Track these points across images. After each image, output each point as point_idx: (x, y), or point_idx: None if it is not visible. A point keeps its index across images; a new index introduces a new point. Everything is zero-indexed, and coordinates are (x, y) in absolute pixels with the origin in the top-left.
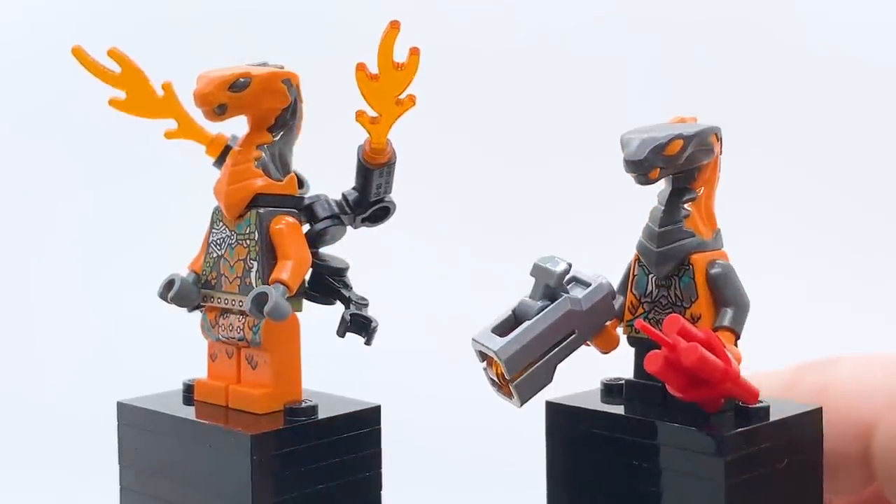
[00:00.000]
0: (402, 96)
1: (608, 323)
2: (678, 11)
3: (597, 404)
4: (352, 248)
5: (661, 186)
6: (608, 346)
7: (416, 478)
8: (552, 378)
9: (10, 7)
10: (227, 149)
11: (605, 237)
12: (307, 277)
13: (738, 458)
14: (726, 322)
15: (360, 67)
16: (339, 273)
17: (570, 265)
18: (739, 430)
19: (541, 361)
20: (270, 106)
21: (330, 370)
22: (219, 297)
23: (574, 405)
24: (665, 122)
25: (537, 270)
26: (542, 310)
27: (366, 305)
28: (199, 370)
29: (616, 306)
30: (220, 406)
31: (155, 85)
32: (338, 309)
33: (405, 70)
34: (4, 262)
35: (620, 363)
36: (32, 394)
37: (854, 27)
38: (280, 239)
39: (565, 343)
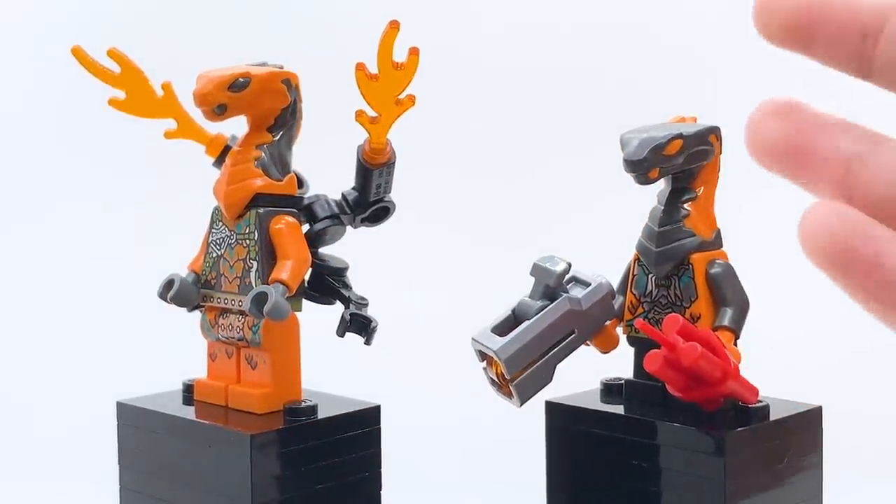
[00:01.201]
0: (402, 96)
1: (608, 323)
2: (678, 11)
3: (596, 404)
4: (352, 248)
5: (661, 186)
6: (608, 345)
7: (416, 478)
8: (552, 378)
9: (10, 7)
10: (227, 149)
11: (605, 237)
12: (307, 277)
13: (738, 458)
14: (726, 322)
15: (360, 67)
16: (339, 273)
17: (569, 265)
18: (739, 429)
19: (541, 361)
20: (270, 106)
21: (330, 370)
22: (218, 297)
23: (574, 405)
24: (665, 122)
25: (537, 270)
26: (542, 309)
27: (365, 305)
28: (199, 370)
29: (616, 306)
30: (219, 406)
31: (155, 85)
32: (338, 309)
33: (405, 70)
34: (4, 262)
35: (620, 363)
36: (32, 394)
37: None
38: (280, 239)
39: (565, 343)
